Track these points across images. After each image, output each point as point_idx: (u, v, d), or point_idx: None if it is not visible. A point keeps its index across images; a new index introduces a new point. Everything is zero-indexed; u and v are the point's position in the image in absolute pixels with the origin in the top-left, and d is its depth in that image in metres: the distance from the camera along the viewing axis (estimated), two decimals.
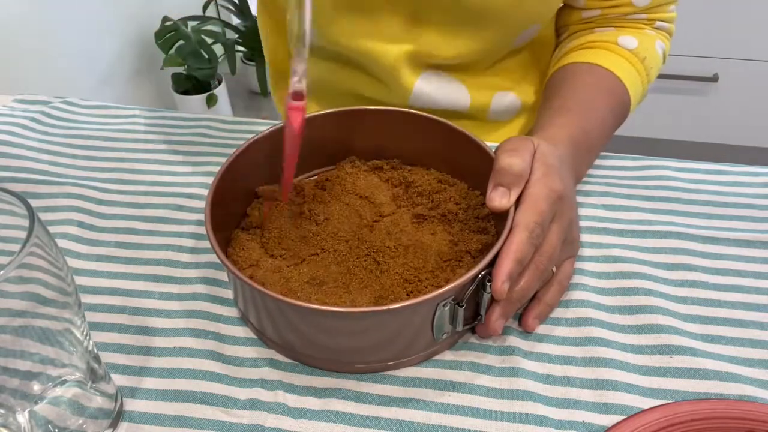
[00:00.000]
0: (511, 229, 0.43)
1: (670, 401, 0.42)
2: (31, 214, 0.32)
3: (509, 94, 0.72)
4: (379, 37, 0.63)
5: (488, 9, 0.59)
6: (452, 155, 0.53)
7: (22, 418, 0.36)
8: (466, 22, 0.61)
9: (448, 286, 0.40)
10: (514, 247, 0.42)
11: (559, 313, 0.48)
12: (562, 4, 0.65)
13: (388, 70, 0.64)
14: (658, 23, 0.66)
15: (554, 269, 0.47)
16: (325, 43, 0.65)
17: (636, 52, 0.63)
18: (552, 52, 0.73)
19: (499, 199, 0.45)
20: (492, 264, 0.42)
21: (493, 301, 0.43)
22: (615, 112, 0.61)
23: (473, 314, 0.45)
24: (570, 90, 0.60)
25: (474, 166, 0.50)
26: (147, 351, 0.46)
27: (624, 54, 0.63)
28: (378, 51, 0.63)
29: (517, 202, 0.45)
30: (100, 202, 0.58)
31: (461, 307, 0.42)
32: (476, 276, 0.41)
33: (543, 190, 0.44)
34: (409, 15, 0.62)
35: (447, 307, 0.41)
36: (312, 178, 0.56)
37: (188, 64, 1.72)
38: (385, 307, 0.39)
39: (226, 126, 0.67)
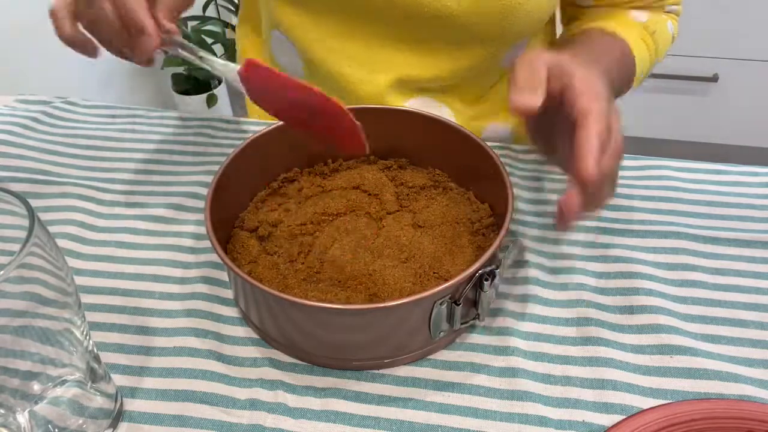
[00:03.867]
0: (579, 117, 0.38)
1: (671, 401, 0.42)
2: (31, 214, 0.32)
3: (499, 124, 0.71)
4: (364, 62, 0.63)
5: (473, 24, 0.58)
6: (456, 156, 0.53)
7: (22, 418, 0.36)
8: (452, 39, 0.60)
9: (445, 285, 0.40)
10: (594, 133, 0.38)
11: (559, 312, 0.48)
12: (551, 13, 0.65)
13: (374, 96, 0.63)
14: (668, 7, 0.66)
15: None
16: (312, 68, 0.65)
17: (646, 26, 0.63)
18: None
19: (528, 97, 0.39)
20: (488, 263, 0.42)
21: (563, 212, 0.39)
22: (621, 74, 0.59)
23: (471, 313, 0.45)
24: (580, 43, 0.59)
25: (476, 167, 0.50)
26: (147, 351, 0.46)
27: (635, 25, 0.62)
28: (362, 78, 0.63)
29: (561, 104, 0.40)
30: (101, 202, 0.58)
31: (458, 305, 0.42)
32: (473, 275, 0.41)
33: (591, 73, 0.41)
34: (393, 37, 0.61)
35: (444, 306, 0.42)
36: (321, 171, 0.56)
37: (188, 64, 1.72)
38: (382, 305, 0.39)
39: (226, 126, 0.67)
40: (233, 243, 0.50)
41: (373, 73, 0.63)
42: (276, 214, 0.51)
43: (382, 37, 0.61)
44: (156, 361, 0.45)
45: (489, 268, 0.42)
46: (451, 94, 0.66)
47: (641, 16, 0.64)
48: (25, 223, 0.32)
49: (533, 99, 0.38)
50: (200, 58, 0.44)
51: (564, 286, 0.50)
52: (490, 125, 0.70)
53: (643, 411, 0.40)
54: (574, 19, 0.69)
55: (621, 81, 0.59)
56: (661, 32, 0.64)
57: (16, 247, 0.31)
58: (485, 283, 0.42)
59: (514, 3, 0.57)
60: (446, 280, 0.41)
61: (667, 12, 0.67)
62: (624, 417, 0.41)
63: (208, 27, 1.81)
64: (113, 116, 0.69)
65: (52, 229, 0.55)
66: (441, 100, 0.67)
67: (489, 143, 0.50)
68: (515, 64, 0.41)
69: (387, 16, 0.59)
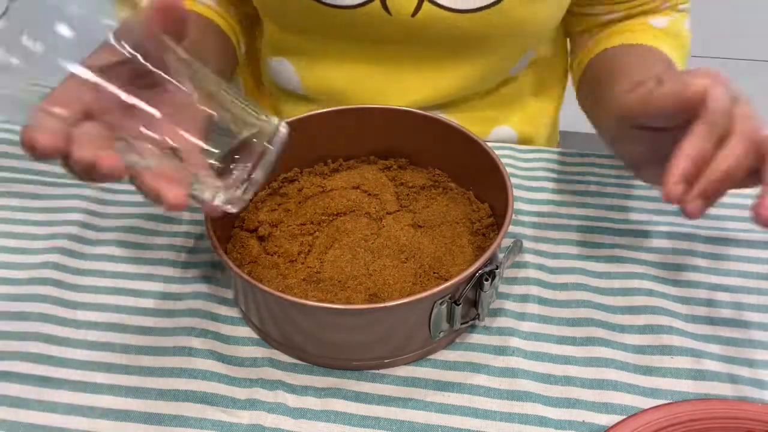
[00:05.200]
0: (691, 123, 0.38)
1: (671, 401, 0.42)
2: None
3: (504, 128, 0.70)
4: (376, 87, 0.63)
5: (485, 37, 0.58)
6: (458, 157, 0.53)
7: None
8: (464, 55, 0.60)
9: (445, 285, 0.40)
10: (689, 143, 0.37)
11: (559, 312, 0.48)
12: (560, 18, 0.64)
13: None
14: (680, 6, 0.63)
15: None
16: (318, 91, 0.65)
17: (667, 30, 0.60)
18: (550, 72, 0.72)
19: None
20: (488, 263, 0.42)
21: None
22: None
23: (471, 313, 0.45)
24: (625, 64, 0.55)
25: (476, 167, 0.50)
26: (147, 351, 0.46)
27: (658, 33, 0.60)
28: (366, 101, 0.62)
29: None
30: (102, 201, 0.58)
31: (458, 305, 0.42)
32: (473, 275, 0.41)
33: (706, 74, 0.39)
34: (404, 60, 0.61)
35: (444, 306, 0.42)
36: (320, 171, 0.56)
37: None
38: (382, 305, 0.39)
39: None
40: (233, 243, 0.50)
41: (386, 99, 0.62)
42: (276, 214, 0.51)
43: (395, 61, 0.61)
44: (156, 361, 0.45)
45: (489, 268, 0.42)
46: (459, 105, 0.66)
47: (660, 22, 0.61)
48: None
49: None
50: None
51: (564, 286, 0.50)
52: (494, 129, 0.70)
53: (643, 411, 0.40)
54: (587, 32, 0.65)
55: None
56: (685, 35, 0.62)
57: None
58: (485, 283, 0.42)
59: (521, 19, 0.57)
60: (446, 280, 0.41)
61: (680, 11, 0.63)
62: (624, 417, 0.41)
63: None
64: None
65: (54, 229, 0.55)
66: (449, 112, 0.67)
67: (490, 143, 0.50)
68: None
69: (397, 41, 0.59)
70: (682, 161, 0.37)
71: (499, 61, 0.63)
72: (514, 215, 0.46)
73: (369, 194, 0.53)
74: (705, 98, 0.38)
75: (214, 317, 0.48)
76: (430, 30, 0.57)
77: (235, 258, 0.48)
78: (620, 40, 0.59)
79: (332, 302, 0.44)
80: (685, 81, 0.39)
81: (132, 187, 0.58)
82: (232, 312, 0.49)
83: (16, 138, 0.64)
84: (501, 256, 0.46)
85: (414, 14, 0.56)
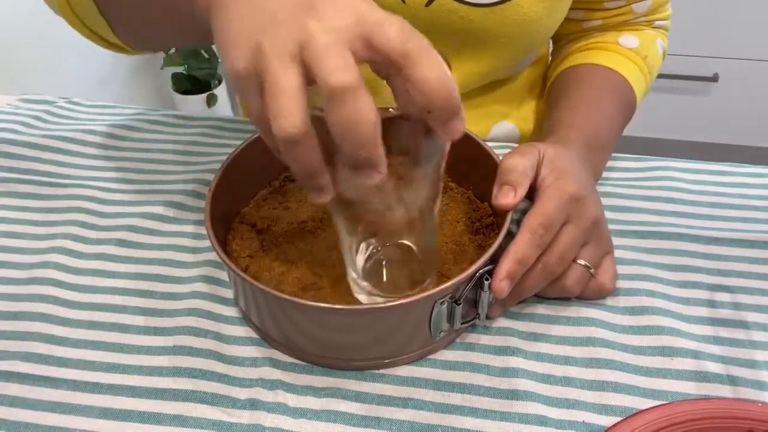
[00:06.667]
0: (521, 229, 0.43)
1: (671, 402, 0.42)
2: None
3: (507, 124, 0.71)
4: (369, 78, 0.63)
5: (494, 37, 0.58)
6: (458, 157, 0.52)
7: None
8: (470, 52, 0.60)
9: (445, 284, 0.40)
10: (514, 247, 0.42)
11: (559, 312, 0.48)
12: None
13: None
14: (657, 23, 0.66)
15: (593, 272, 0.46)
16: None
17: (637, 51, 0.63)
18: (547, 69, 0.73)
19: (503, 197, 0.45)
20: (489, 263, 0.42)
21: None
22: (622, 109, 0.61)
23: (471, 312, 0.45)
24: (575, 91, 0.60)
25: (476, 167, 0.50)
26: (147, 350, 0.46)
27: (626, 53, 0.63)
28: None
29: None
30: (103, 201, 0.58)
31: (458, 305, 0.42)
32: (473, 274, 0.41)
33: (553, 193, 0.44)
34: None
35: (444, 305, 0.42)
36: None
37: (188, 63, 1.72)
38: (382, 305, 0.39)
39: (226, 126, 0.67)
40: (232, 239, 0.50)
41: (388, 93, 0.63)
42: (277, 212, 0.51)
43: None
44: (156, 361, 0.45)
45: (489, 268, 0.42)
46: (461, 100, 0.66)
47: (632, 41, 0.64)
48: None
49: (509, 200, 0.45)
50: None
51: None
52: (496, 125, 0.70)
53: (642, 411, 0.40)
54: (566, 36, 0.69)
55: (623, 122, 0.62)
56: (653, 56, 0.65)
57: None
58: (485, 282, 0.42)
59: (535, 17, 0.57)
60: (447, 279, 0.41)
61: (656, 28, 0.67)
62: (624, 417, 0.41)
63: None
64: (115, 115, 0.69)
65: (54, 229, 0.55)
66: None
67: (491, 143, 0.50)
68: (506, 156, 0.47)
69: None
70: (506, 264, 0.42)
71: (504, 60, 0.63)
72: (514, 215, 0.46)
73: None
74: (537, 206, 0.44)
75: (214, 317, 0.48)
76: (441, 22, 0.57)
77: (235, 259, 0.48)
78: (584, 59, 0.64)
79: (333, 302, 0.44)
80: (496, 192, 0.46)
81: (132, 187, 0.59)
82: (232, 312, 0.49)
83: (16, 138, 0.65)
84: (501, 256, 0.46)
85: (428, 4, 0.56)
